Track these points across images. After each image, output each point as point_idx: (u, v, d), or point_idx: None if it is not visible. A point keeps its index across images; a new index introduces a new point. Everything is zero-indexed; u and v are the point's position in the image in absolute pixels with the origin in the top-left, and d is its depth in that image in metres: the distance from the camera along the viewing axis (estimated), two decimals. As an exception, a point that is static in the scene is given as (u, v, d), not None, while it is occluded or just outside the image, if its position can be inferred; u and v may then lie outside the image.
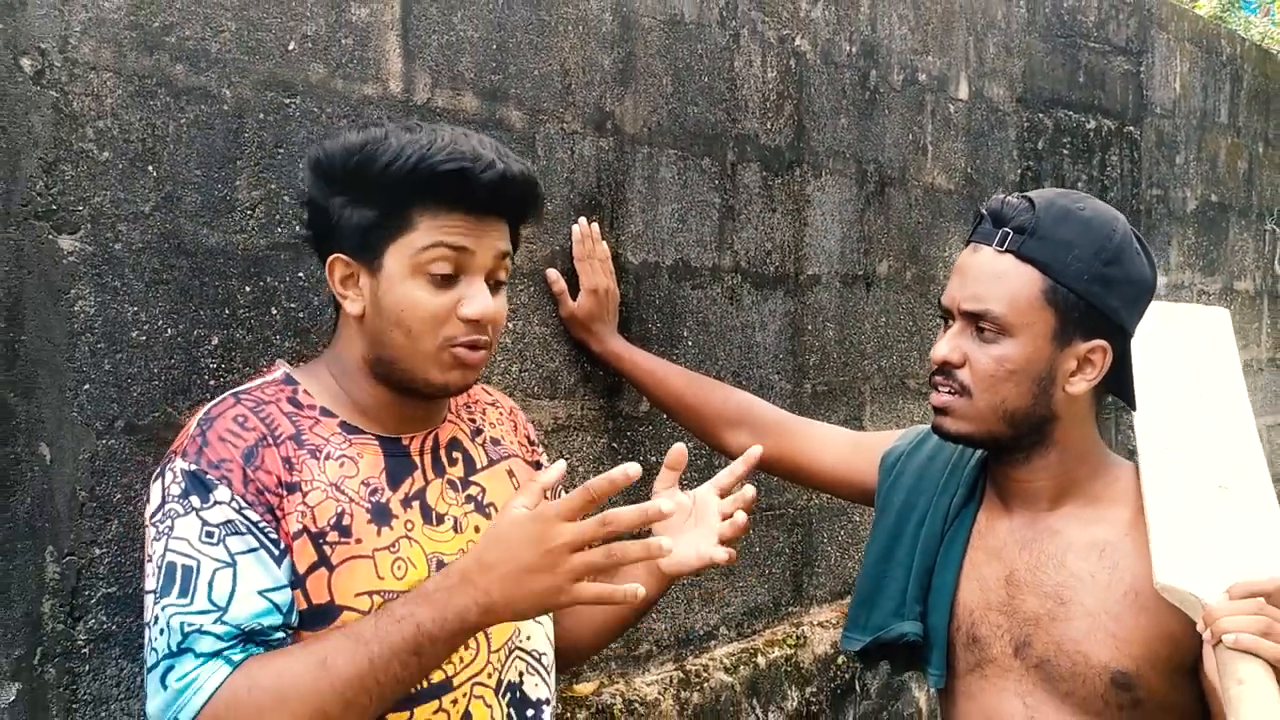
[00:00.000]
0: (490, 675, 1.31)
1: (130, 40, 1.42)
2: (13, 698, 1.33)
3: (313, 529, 1.22)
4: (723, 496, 1.40)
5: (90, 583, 1.39)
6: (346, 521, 1.24)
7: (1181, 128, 4.08)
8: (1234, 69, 4.44)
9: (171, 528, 1.18)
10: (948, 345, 1.41)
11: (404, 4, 1.72)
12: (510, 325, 1.90)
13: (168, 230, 1.46)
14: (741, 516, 1.37)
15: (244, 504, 1.19)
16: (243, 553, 1.18)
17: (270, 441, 1.23)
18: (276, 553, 1.20)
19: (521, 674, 1.36)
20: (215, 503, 1.18)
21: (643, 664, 2.19)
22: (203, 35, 1.49)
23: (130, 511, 1.41)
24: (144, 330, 1.44)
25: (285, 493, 1.22)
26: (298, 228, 1.58)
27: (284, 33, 1.58)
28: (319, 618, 1.22)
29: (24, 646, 1.33)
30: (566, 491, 1.43)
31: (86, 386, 1.38)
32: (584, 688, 2.05)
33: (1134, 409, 1.46)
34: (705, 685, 2.25)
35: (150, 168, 1.44)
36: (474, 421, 1.44)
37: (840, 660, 2.60)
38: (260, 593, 1.18)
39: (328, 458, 1.26)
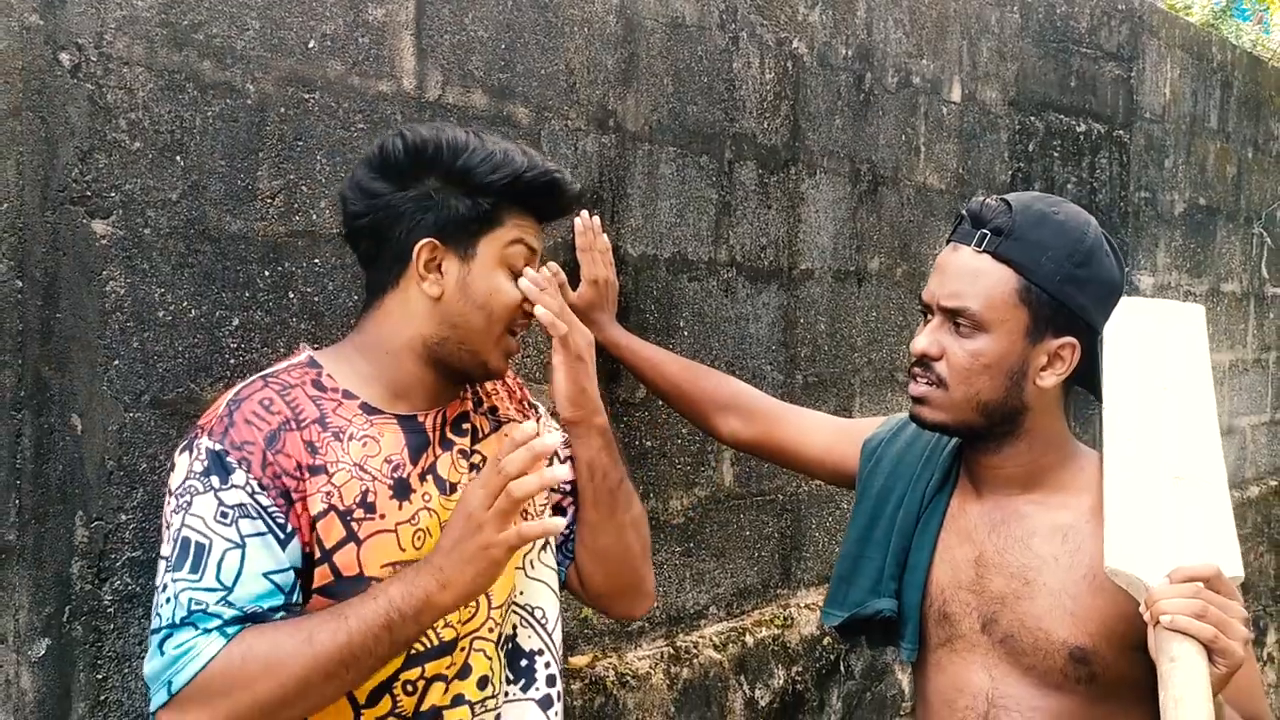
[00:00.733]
0: (491, 630, 1.42)
1: (161, 37, 1.49)
2: (42, 652, 1.41)
3: (340, 507, 1.30)
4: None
5: (116, 546, 1.47)
6: (371, 499, 1.32)
7: (1171, 132, 4.14)
8: (1224, 75, 4.49)
9: (190, 503, 1.26)
10: (926, 339, 1.47)
11: (418, 5, 1.80)
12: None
13: (193, 217, 1.53)
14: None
15: (258, 488, 1.26)
16: (252, 535, 1.25)
17: (294, 426, 1.31)
18: (283, 536, 1.27)
19: (515, 627, 1.47)
20: (232, 485, 1.26)
21: (635, 639, 2.28)
22: (228, 33, 1.56)
23: (155, 481, 1.49)
24: (170, 311, 1.52)
25: (308, 474, 1.29)
26: (314, 216, 1.66)
27: (304, 31, 1.66)
28: (349, 587, 1.30)
29: (54, 605, 1.42)
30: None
31: (116, 362, 1.46)
32: (578, 660, 2.14)
33: (1100, 401, 1.53)
34: (695, 661, 2.34)
35: (178, 157, 1.52)
36: (477, 394, 1.52)
37: (826, 641, 2.68)
38: (265, 574, 1.26)
39: (351, 438, 1.34)
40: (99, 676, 1.46)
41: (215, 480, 1.26)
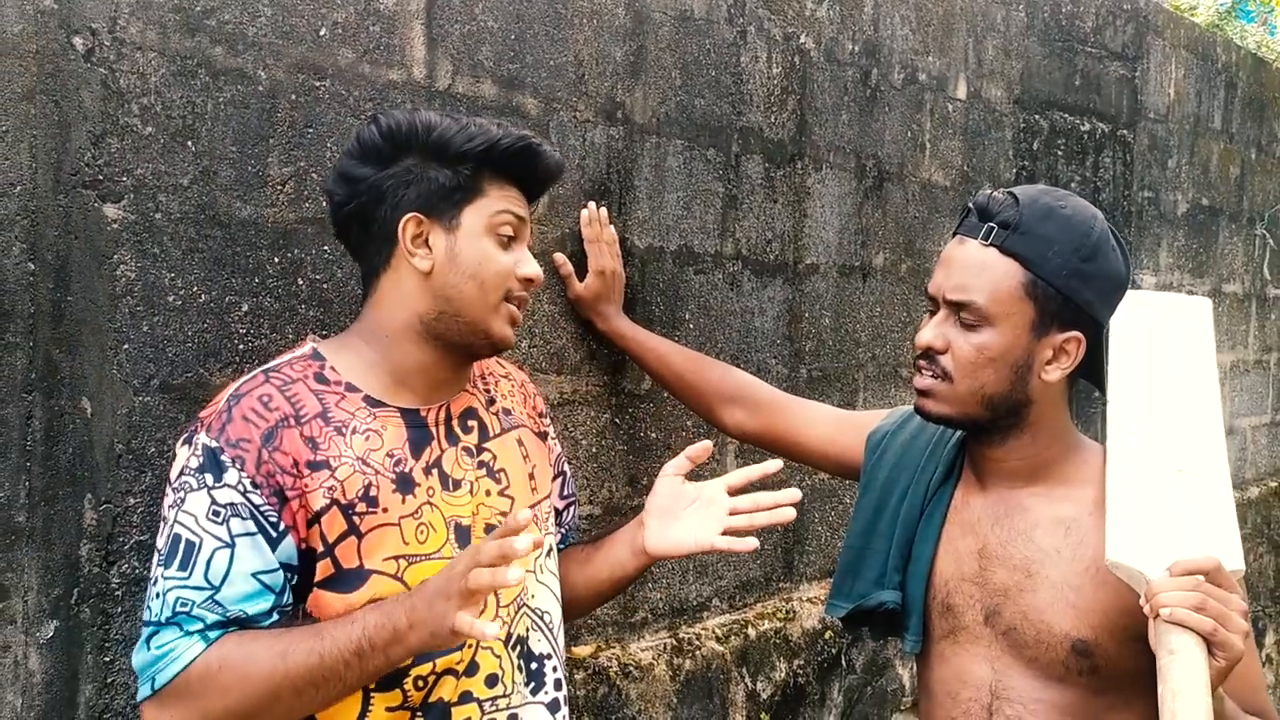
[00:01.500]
0: (500, 629, 1.41)
1: (174, 23, 1.50)
2: (51, 634, 1.41)
3: (342, 501, 1.31)
4: (731, 495, 1.49)
5: (124, 530, 1.47)
6: (374, 493, 1.33)
7: (1174, 132, 4.15)
8: (1229, 76, 4.50)
9: (184, 499, 1.27)
10: (932, 332, 1.48)
11: (428, -6, 1.81)
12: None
13: (204, 202, 1.54)
14: (760, 517, 1.47)
15: (250, 487, 1.27)
16: (241, 535, 1.26)
17: (293, 422, 1.31)
18: (274, 535, 1.28)
19: (528, 629, 1.46)
20: (225, 484, 1.26)
21: (638, 630, 2.28)
22: (240, 20, 1.57)
23: (163, 465, 1.50)
24: (180, 295, 1.52)
25: (308, 471, 1.29)
26: (323, 203, 1.67)
27: (316, 19, 1.66)
28: (349, 580, 1.31)
29: (62, 587, 1.42)
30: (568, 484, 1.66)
31: (126, 346, 1.47)
32: (582, 650, 2.14)
33: (1104, 395, 1.54)
34: (697, 653, 2.35)
35: (189, 143, 1.52)
36: (488, 392, 1.53)
37: (828, 635, 2.69)
38: (253, 574, 1.26)
39: (354, 432, 1.34)
40: (106, 659, 1.47)
41: (209, 478, 1.26)
